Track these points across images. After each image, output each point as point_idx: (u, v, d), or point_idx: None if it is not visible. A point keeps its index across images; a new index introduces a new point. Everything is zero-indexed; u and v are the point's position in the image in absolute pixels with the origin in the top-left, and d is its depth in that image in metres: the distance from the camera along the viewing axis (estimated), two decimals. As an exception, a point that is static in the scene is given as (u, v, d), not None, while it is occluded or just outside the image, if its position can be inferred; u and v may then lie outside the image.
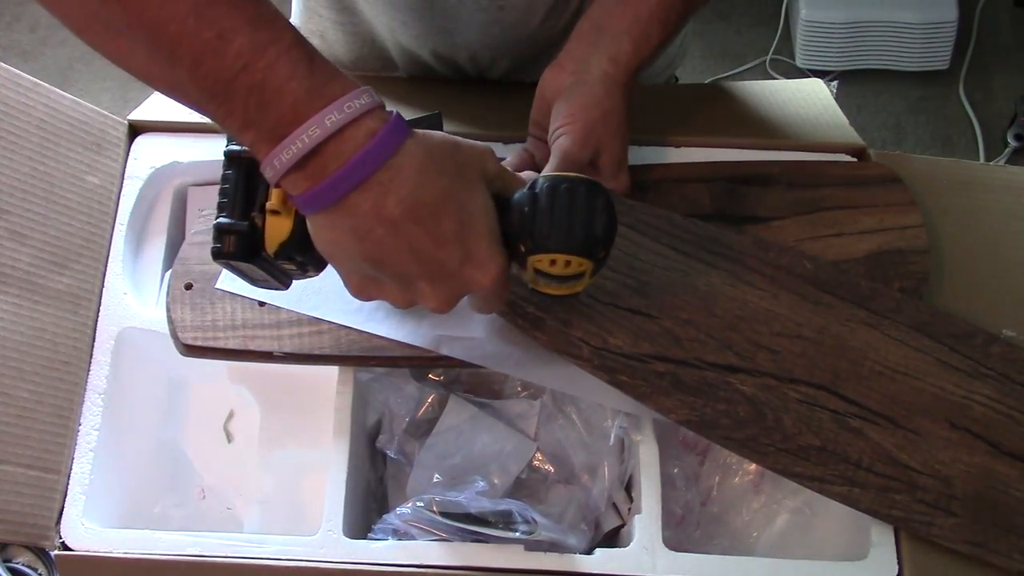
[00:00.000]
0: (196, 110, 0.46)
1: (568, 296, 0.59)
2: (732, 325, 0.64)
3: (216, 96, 0.44)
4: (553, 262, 0.52)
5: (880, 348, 0.65)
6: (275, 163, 0.45)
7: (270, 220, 0.51)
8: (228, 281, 0.69)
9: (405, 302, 0.52)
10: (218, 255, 0.51)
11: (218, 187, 0.52)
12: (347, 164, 0.44)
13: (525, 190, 0.51)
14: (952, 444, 0.64)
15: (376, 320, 0.67)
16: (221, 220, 0.51)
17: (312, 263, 0.53)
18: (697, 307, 0.65)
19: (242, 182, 0.51)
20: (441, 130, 0.67)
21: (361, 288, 0.51)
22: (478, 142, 0.51)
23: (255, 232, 0.51)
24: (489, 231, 0.50)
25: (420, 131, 0.48)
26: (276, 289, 0.56)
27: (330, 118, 0.44)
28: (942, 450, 0.64)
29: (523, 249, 0.52)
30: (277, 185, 0.46)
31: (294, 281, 0.57)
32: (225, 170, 0.52)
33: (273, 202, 0.50)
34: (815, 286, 0.66)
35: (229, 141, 0.52)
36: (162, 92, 0.47)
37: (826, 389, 0.64)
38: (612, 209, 0.52)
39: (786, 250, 0.67)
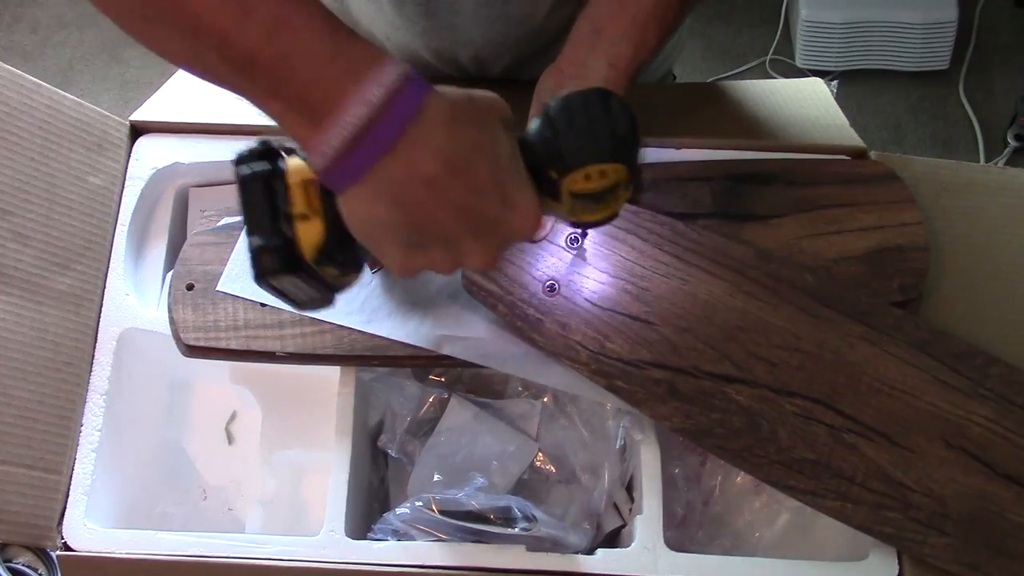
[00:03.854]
0: (228, 88, 0.47)
1: (609, 220, 0.57)
2: (731, 335, 0.64)
3: (243, 69, 0.45)
4: (588, 176, 0.51)
5: (878, 364, 0.65)
6: (325, 149, 0.45)
7: (300, 226, 0.50)
8: (229, 283, 0.69)
9: (451, 266, 0.51)
10: (261, 276, 0.50)
11: (235, 200, 0.51)
12: (376, 128, 0.44)
13: (539, 119, 0.51)
14: (947, 463, 0.64)
15: (377, 321, 0.68)
16: (254, 240, 0.50)
17: (351, 262, 0.52)
18: (696, 316, 0.65)
19: (262, 199, 0.50)
20: None
21: (407, 262, 0.50)
22: (487, 91, 0.50)
23: (289, 244, 0.50)
24: (521, 173, 0.50)
25: (437, 86, 0.47)
26: (320, 307, 0.55)
27: (373, 93, 0.44)
28: (937, 469, 0.63)
29: (555, 175, 0.51)
30: (326, 172, 0.46)
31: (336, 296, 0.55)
32: (242, 193, 0.51)
33: (299, 207, 0.50)
34: (815, 300, 0.66)
35: (237, 163, 0.51)
36: (198, 76, 0.48)
37: (822, 403, 0.64)
38: (629, 108, 0.51)
39: (787, 262, 0.67)
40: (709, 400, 0.63)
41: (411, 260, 0.50)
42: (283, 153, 0.51)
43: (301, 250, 0.50)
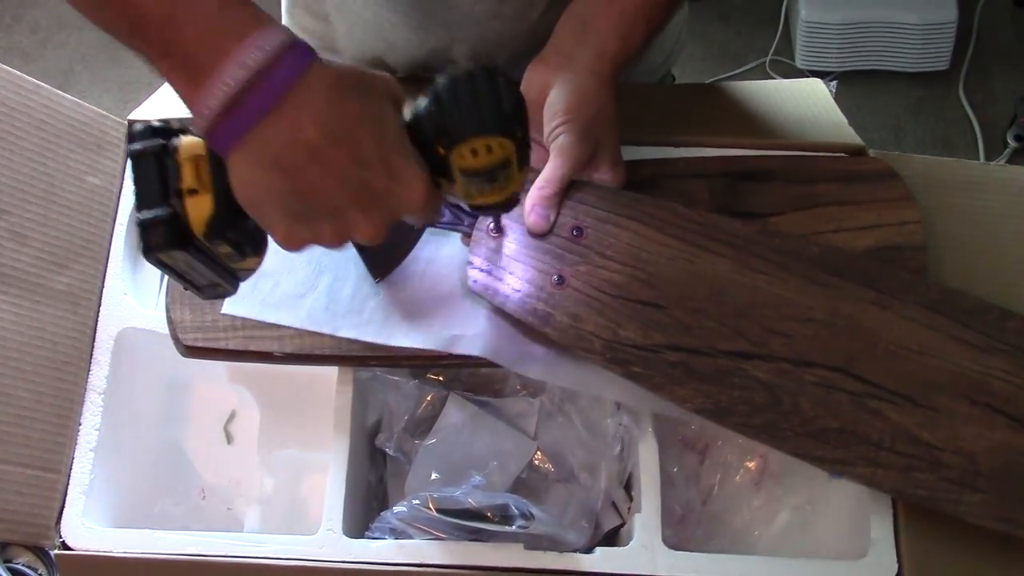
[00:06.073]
0: (132, 50, 0.48)
1: (507, 205, 0.57)
2: (742, 312, 0.64)
3: (137, 27, 0.46)
4: (475, 151, 0.51)
5: (893, 328, 0.64)
6: (204, 110, 0.46)
7: (189, 201, 0.50)
8: (230, 306, 0.69)
9: (337, 238, 0.51)
10: (149, 251, 0.50)
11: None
12: (256, 89, 0.45)
13: (424, 96, 0.51)
14: (973, 420, 0.63)
15: (389, 329, 0.67)
16: (142, 215, 0.50)
17: (246, 240, 0.52)
18: (706, 295, 0.64)
19: (153, 175, 0.50)
20: None
21: (291, 234, 0.50)
22: (382, 72, 0.51)
23: (178, 218, 0.50)
24: (407, 147, 0.50)
25: (326, 59, 0.48)
26: (226, 291, 0.55)
27: (251, 56, 0.45)
28: (963, 426, 0.63)
29: (442, 151, 0.51)
30: (207, 133, 0.46)
31: (246, 285, 0.55)
32: (134, 171, 0.51)
33: (188, 182, 0.50)
34: (823, 269, 0.66)
35: (131, 140, 0.51)
36: (104, 30, 0.49)
37: (842, 371, 0.63)
38: (515, 86, 0.52)
39: (791, 236, 0.67)
40: (728, 378, 0.63)
41: (296, 231, 0.50)
42: (178, 132, 0.51)
43: (190, 225, 0.50)
